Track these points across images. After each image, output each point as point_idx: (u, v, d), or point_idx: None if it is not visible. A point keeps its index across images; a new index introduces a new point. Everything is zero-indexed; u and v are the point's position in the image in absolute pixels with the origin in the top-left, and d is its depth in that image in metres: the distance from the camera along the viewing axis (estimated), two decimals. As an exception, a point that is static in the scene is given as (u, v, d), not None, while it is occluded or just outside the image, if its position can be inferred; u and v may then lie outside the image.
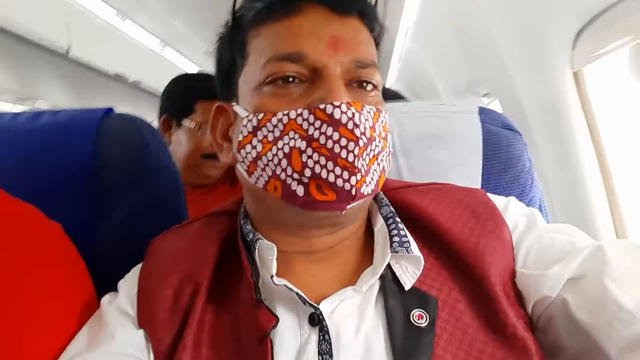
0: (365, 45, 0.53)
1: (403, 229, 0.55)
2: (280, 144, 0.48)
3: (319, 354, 0.47)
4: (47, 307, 0.50)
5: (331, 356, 0.47)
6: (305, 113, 0.48)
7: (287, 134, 0.48)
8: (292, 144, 0.48)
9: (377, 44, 0.58)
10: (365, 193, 0.49)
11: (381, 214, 0.58)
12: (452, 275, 0.53)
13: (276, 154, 0.49)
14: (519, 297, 0.52)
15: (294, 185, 0.48)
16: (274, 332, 0.48)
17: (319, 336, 0.48)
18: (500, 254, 0.52)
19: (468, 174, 0.82)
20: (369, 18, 0.55)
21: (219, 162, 1.32)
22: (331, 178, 0.47)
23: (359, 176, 0.47)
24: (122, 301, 0.54)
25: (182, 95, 1.34)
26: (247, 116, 0.51)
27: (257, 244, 0.53)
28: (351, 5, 0.53)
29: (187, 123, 1.30)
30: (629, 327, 0.42)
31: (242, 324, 0.50)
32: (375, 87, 0.54)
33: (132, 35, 2.65)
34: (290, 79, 0.50)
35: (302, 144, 0.47)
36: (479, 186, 0.81)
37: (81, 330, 0.52)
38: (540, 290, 0.49)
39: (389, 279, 0.52)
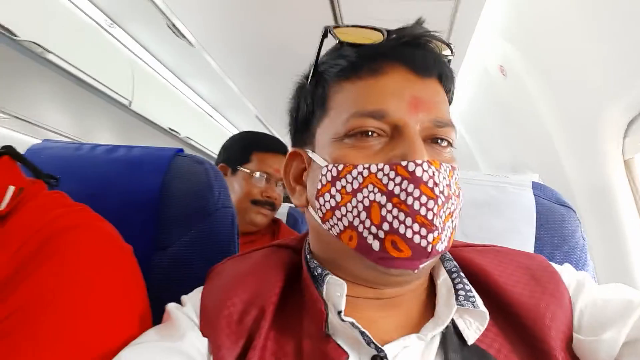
0: (443, 105, 0.55)
1: (468, 284, 0.55)
2: (359, 196, 0.50)
3: None
4: (111, 309, 0.54)
5: None
6: (387, 168, 0.49)
7: (367, 187, 0.49)
8: (371, 197, 0.49)
9: (450, 103, 0.61)
10: (440, 250, 0.49)
11: (444, 267, 0.58)
12: (511, 337, 0.52)
13: (356, 206, 0.50)
14: None
15: (370, 239, 0.49)
16: None
17: None
18: (560, 317, 0.52)
19: (521, 245, 0.82)
20: (447, 79, 0.58)
21: (265, 209, 1.42)
22: (409, 234, 0.47)
23: (435, 233, 0.48)
24: (189, 310, 0.56)
25: (241, 146, 1.48)
26: (327, 165, 0.53)
27: (326, 279, 0.53)
28: (432, 67, 0.55)
29: (244, 169, 1.43)
30: None
31: (307, 356, 0.50)
32: (450, 144, 0.55)
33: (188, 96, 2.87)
34: (370, 133, 0.51)
35: (382, 199, 0.48)
36: (532, 257, 0.80)
37: (150, 329, 0.54)
38: (597, 358, 0.48)
39: (451, 332, 0.51)
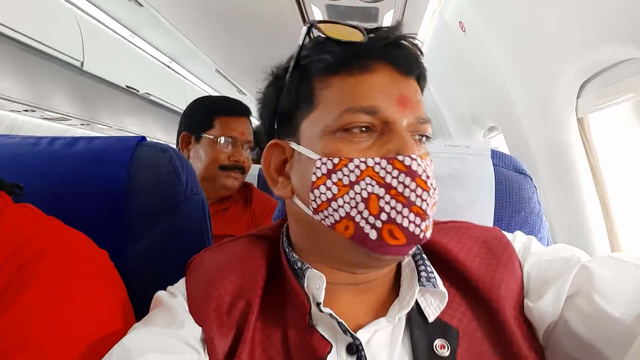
0: (421, 104, 0.58)
1: (429, 266, 0.59)
2: (357, 188, 0.52)
3: None
4: (95, 310, 0.56)
5: None
6: (384, 162, 0.52)
7: (364, 180, 0.52)
8: (370, 189, 0.52)
9: None
10: (428, 237, 0.53)
11: None
12: (471, 307, 0.58)
13: (354, 198, 0.52)
14: (530, 328, 0.56)
15: (367, 229, 0.52)
16: None
17: None
18: (512, 286, 0.57)
19: (482, 214, 0.86)
20: (423, 80, 0.62)
21: (234, 173, 1.42)
22: (405, 223, 0.51)
23: (427, 222, 0.52)
24: (180, 300, 0.58)
25: (202, 112, 1.44)
26: (320, 159, 0.55)
27: (307, 273, 0.57)
28: (414, 68, 0.59)
29: (207, 135, 1.40)
30: (620, 333, 0.47)
31: (293, 346, 0.54)
32: (427, 138, 0.59)
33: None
34: (363, 129, 0.54)
35: (380, 191, 0.51)
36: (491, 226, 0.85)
37: (155, 312, 0.57)
38: (544, 320, 0.54)
39: (414, 311, 0.56)
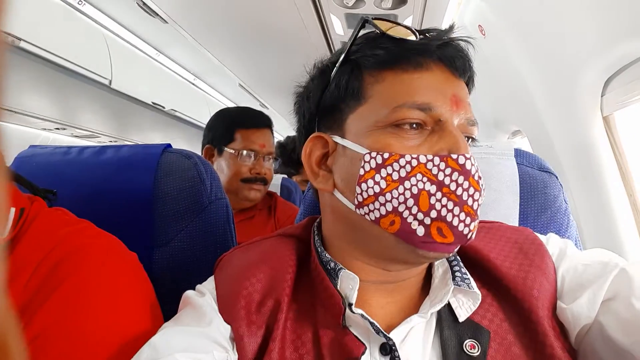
0: (470, 106, 0.58)
1: (464, 267, 0.59)
2: (407, 184, 0.52)
3: None
4: (127, 310, 0.58)
5: None
6: (437, 160, 0.51)
7: (415, 176, 0.51)
8: (420, 186, 0.51)
9: None
10: (474, 237, 0.53)
11: None
12: (503, 308, 0.57)
13: (403, 193, 0.52)
14: (562, 330, 0.55)
15: (415, 225, 0.51)
16: None
17: None
18: (546, 287, 0.56)
19: (507, 214, 0.85)
20: (472, 83, 0.62)
21: (256, 185, 1.44)
22: (455, 222, 0.50)
23: (476, 222, 0.51)
24: (208, 298, 0.58)
25: (224, 125, 1.47)
26: (369, 153, 0.54)
27: (340, 273, 0.56)
28: (467, 71, 0.59)
29: (229, 149, 1.43)
30: None
31: (325, 346, 0.53)
32: (473, 140, 0.59)
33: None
34: (414, 125, 0.54)
35: (432, 188, 0.51)
36: (517, 225, 0.84)
37: (184, 311, 0.57)
38: (578, 322, 0.52)
39: (446, 311, 0.55)
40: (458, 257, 0.61)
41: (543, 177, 0.88)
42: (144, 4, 1.56)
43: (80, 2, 1.98)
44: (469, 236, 0.51)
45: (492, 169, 0.88)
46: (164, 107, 2.82)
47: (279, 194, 1.71)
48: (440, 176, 0.51)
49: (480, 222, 0.68)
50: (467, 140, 0.57)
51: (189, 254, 0.84)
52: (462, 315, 0.55)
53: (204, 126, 1.54)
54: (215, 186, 0.89)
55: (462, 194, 0.50)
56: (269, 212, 1.54)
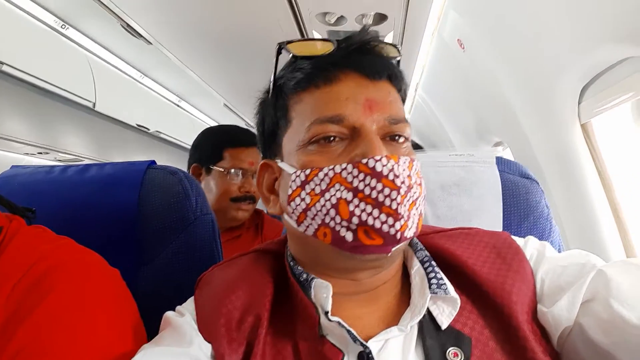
0: (396, 104, 0.59)
1: (439, 272, 0.59)
2: (327, 195, 0.53)
3: None
4: (108, 328, 0.56)
5: None
6: (350, 167, 0.53)
7: (334, 187, 0.53)
8: (338, 195, 0.52)
9: (403, 100, 0.65)
10: (408, 236, 0.53)
11: (417, 258, 0.62)
12: (483, 315, 0.56)
13: (324, 205, 0.53)
14: (544, 333, 0.55)
15: (343, 232, 0.53)
16: None
17: None
18: (524, 291, 0.57)
19: (490, 220, 0.86)
20: (397, 79, 0.62)
21: (245, 205, 1.43)
22: (377, 224, 0.51)
23: (402, 221, 0.51)
24: (188, 318, 0.58)
25: (211, 144, 1.46)
26: (295, 172, 0.56)
27: (313, 283, 0.57)
28: (382, 70, 0.60)
29: (218, 168, 1.42)
30: (638, 338, 0.46)
31: (305, 357, 0.53)
32: (406, 139, 0.59)
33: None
34: (332, 138, 0.55)
35: (349, 195, 0.52)
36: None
37: (164, 332, 0.57)
38: (559, 325, 0.53)
39: (427, 319, 0.55)
40: (433, 262, 0.61)
41: (525, 184, 0.89)
42: (128, 25, 1.56)
43: (63, 26, 1.99)
44: (397, 236, 0.51)
45: (473, 177, 0.89)
46: (148, 129, 2.82)
47: (266, 211, 1.70)
48: (355, 182, 0.52)
49: (459, 228, 0.69)
50: (398, 139, 0.58)
51: (176, 270, 0.83)
52: (444, 322, 0.55)
53: (189, 147, 1.53)
54: (201, 202, 0.88)
55: (377, 196, 0.51)
56: (256, 230, 1.54)
